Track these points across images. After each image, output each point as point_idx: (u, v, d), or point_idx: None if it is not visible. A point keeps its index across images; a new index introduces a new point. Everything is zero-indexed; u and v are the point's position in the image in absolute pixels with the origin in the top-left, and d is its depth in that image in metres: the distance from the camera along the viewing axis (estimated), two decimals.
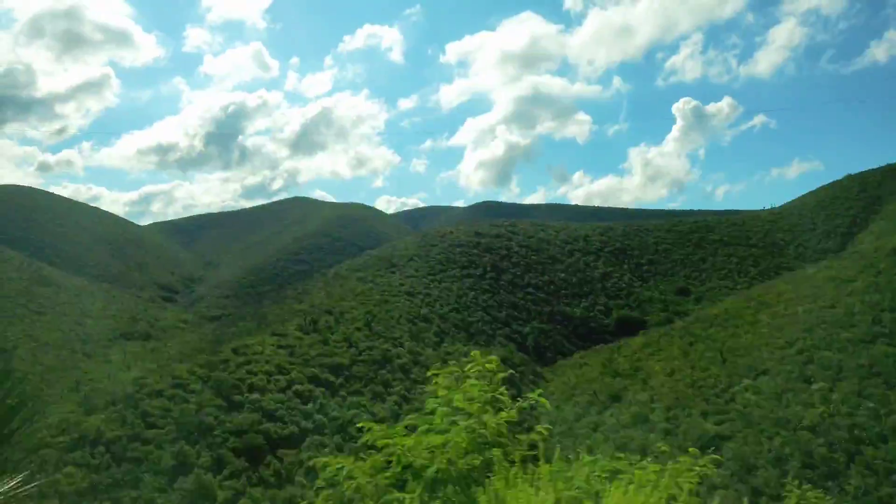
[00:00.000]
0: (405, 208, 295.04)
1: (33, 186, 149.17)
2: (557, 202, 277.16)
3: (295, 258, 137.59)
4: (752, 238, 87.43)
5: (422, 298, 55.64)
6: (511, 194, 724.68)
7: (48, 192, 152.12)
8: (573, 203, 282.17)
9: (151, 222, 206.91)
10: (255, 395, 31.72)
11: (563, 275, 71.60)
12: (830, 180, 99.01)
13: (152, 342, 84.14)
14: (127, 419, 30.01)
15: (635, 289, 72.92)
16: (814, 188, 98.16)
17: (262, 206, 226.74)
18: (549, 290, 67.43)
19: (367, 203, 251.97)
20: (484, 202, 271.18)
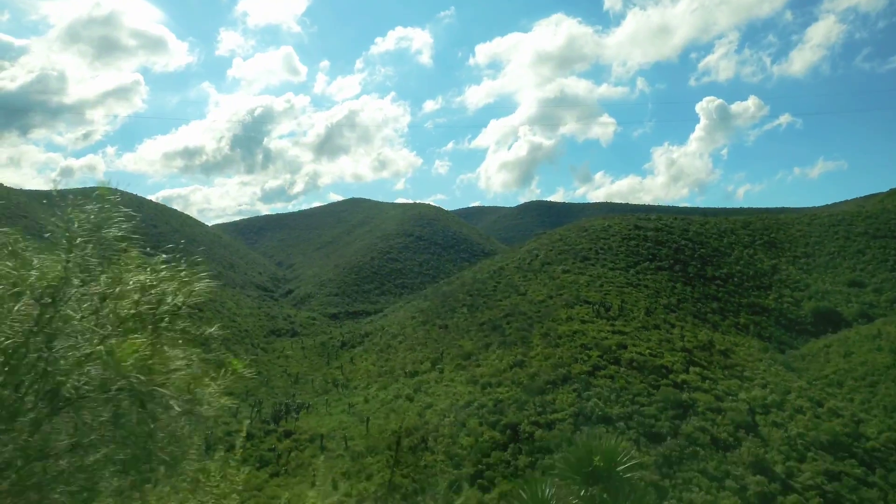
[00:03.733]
0: (457, 207, 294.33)
1: (121, 189, 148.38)
2: (609, 201, 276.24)
3: (387, 256, 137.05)
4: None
5: (643, 288, 55.01)
6: (559, 195, 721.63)
7: (132, 194, 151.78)
8: (620, 201, 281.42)
9: (215, 223, 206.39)
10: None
11: (737, 267, 70.87)
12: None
13: (296, 339, 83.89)
14: None
15: (807, 281, 72.00)
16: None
17: (320, 208, 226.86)
18: (734, 281, 66.71)
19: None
20: (534, 202, 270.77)
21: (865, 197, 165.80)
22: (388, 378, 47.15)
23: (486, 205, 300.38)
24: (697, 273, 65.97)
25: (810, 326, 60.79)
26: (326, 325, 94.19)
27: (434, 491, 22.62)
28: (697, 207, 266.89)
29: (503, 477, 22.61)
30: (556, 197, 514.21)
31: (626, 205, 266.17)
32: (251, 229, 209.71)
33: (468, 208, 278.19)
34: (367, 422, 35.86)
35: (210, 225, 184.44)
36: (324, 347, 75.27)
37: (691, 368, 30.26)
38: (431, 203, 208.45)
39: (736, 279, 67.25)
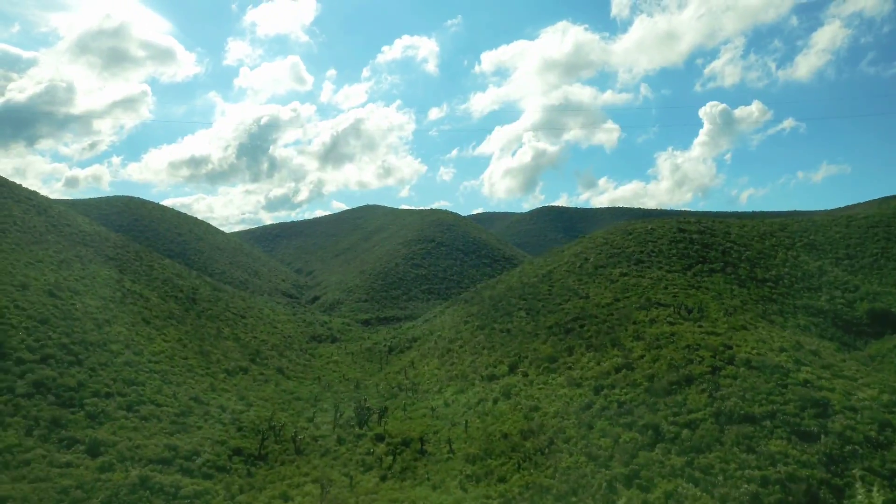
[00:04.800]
0: (462, 214, 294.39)
1: (142, 198, 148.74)
2: (620, 206, 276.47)
3: (411, 262, 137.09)
4: None
5: (705, 290, 54.98)
6: (563, 200, 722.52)
7: (156, 203, 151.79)
8: (624, 206, 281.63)
9: (232, 231, 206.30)
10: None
11: (785, 269, 70.87)
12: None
13: (337, 344, 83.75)
14: None
15: (854, 282, 71.97)
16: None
17: (335, 215, 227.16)
18: (784, 283, 66.69)
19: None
20: (545, 207, 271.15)
21: (882, 199, 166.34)
22: (460, 382, 47.00)
23: (489, 211, 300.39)
24: (748, 275, 65.96)
25: (867, 327, 60.82)
26: (361, 331, 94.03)
27: (589, 492, 22.47)
28: (707, 211, 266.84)
29: (661, 476, 22.46)
30: (561, 202, 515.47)
31: (637, 209, 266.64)
32: (267, 237, 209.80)
33: (478, 214, 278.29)
34: (465, 425, 35.68)
35: (228, 233, 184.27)
36: (370, 353, 75.13)
37: (802, 367, 30.16)
38: (441, 209, 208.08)
39: (786, 281, 67.26)
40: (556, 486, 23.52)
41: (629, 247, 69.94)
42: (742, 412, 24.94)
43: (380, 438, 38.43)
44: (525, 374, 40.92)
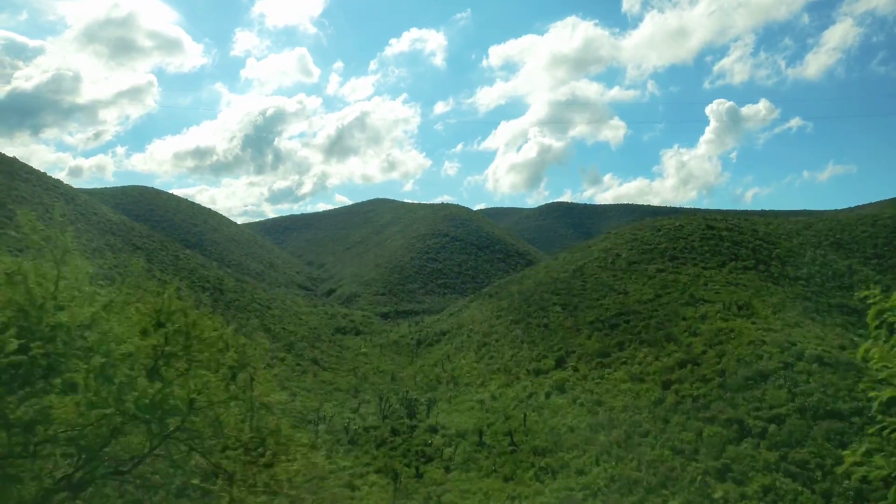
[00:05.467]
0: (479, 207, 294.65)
1: (156, 188, 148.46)
2: (624, 203, 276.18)
3: (426, 257, 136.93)
4: None
5: (743, 287, 54.92)
6: (567, 196, 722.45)
7: (169, 194, 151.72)
8: (650, 202, 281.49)
9: (244, 222, 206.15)
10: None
11: (815, 267, 70.75)
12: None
13: (362, 337, 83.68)
14: None
15: (885, 281, 71.88)
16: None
17: (346, 208, 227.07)
18: (816, 282, 66.58)
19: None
20: (554, 203, 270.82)
21: (891, 200, 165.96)
22: (504, 375, 46.94)
23: (493, 206, 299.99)
24: (781, 273, 65.82)
25: None
26: (382, 324, 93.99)
27: (680, 485, 22.42)
28: (711, 209, 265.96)
29: (755, 471, 22.42)
30: (564, 198, 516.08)
31: (645, 206, 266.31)
32: (276, 229, 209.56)
33: (486, 209, 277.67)
34: (524, 418, 35.62)
35: (240, 224, 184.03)
36: (397, 345, 75.05)
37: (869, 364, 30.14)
38: (452, 203, 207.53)
39: (817, 280, 67.08)
40: (644, 478, 23.44)
41: (661, 243, 69.81)
42: (827, 408, 24.88)
43: (433, 430, 38.35)
44: (575, 369, 40.84)
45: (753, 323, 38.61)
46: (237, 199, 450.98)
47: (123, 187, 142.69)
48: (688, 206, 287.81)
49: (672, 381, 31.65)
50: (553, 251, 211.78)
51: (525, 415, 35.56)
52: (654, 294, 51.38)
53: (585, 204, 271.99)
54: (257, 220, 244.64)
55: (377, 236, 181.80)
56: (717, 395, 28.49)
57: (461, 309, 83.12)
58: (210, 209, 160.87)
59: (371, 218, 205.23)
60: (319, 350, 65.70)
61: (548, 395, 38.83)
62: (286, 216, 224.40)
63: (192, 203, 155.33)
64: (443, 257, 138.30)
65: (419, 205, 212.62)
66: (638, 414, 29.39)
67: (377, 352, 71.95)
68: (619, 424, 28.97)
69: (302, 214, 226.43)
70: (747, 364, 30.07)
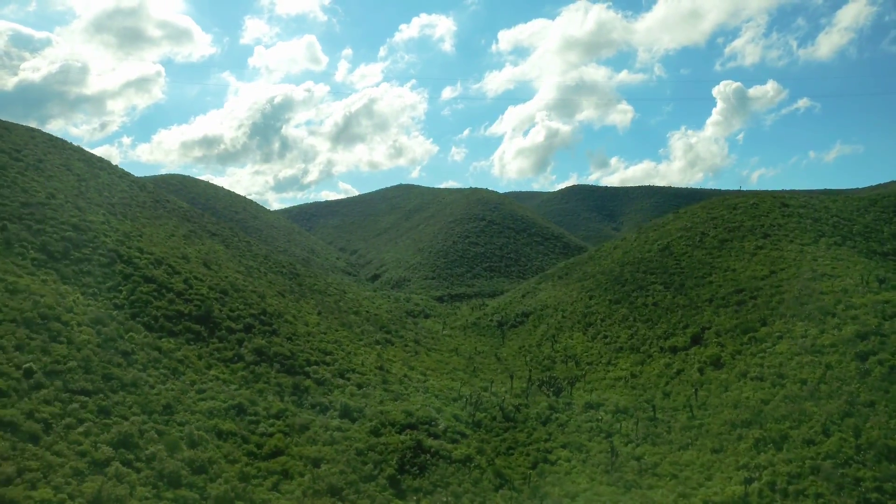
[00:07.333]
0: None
1: (192, 176, 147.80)
2: (647, 185, 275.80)
3: (468, 241, 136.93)
4: None
5: (853, 262, 55.13)
6: (573, 180, 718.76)
7: (207, 182, 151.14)
8: (656, 184, 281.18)
9: (275, 209, 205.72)
10: None
11: None
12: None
13: (432, 319, 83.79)
14: None
15: None
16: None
17: (371, 194, 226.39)
18: None
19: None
20: (577, 186, 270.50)
21: None
22: (632, 354, 47.17)
23: (512, 191, 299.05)
24: (868, 248, 65.90)
25: None
26: (442, 308, 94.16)
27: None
28: (716, 189, 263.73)
29: None
30: (571, 182, 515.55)
31: (668, 188, 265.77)
32: (304, 216, 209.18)
33: (510, 193, 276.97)
34: (695, 393, 35.83)
35: (273, 211, 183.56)
36: (477, 327, 75.29)
37: None
38: (482, 188, 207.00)
39: None
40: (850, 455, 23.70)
41: (744, 221, 69.76)
42: None
43: (590, 406, 38.59)
44: (721, 345, 41.03)
45: None
46: (241, 187, 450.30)
47: (163, 175, 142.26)
48: (695, 188, 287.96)
49: (865, 352, 31.84)
50: (579, 233, 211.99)
51: (696, 389, 35.82)
52: (767, 271, 51.46)
53: (607, 187, 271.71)
54: (287, 206, 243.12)
55: (407, 222, 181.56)
56: None
57: (532, 291, 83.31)
58: (246, 197, 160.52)
59: (397, 204, 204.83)
60: (411, 331, 65.89)
61: (701, 371, 39.04)
62: (311, 203, 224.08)
63: (230, 192, 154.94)
64: (483, 241, 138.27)
65: (447, 190, 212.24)
66: (847, 384, 29.60)
67: (460, 334, 72.21)
68: (828, 396, 29.22)
69: (327, 202, 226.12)
70: None
